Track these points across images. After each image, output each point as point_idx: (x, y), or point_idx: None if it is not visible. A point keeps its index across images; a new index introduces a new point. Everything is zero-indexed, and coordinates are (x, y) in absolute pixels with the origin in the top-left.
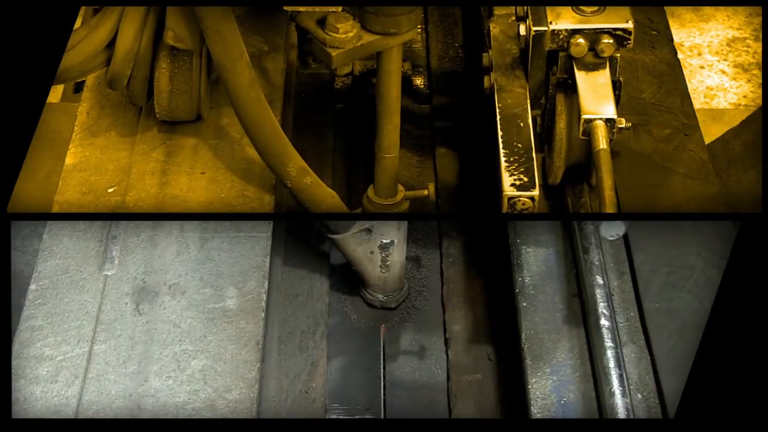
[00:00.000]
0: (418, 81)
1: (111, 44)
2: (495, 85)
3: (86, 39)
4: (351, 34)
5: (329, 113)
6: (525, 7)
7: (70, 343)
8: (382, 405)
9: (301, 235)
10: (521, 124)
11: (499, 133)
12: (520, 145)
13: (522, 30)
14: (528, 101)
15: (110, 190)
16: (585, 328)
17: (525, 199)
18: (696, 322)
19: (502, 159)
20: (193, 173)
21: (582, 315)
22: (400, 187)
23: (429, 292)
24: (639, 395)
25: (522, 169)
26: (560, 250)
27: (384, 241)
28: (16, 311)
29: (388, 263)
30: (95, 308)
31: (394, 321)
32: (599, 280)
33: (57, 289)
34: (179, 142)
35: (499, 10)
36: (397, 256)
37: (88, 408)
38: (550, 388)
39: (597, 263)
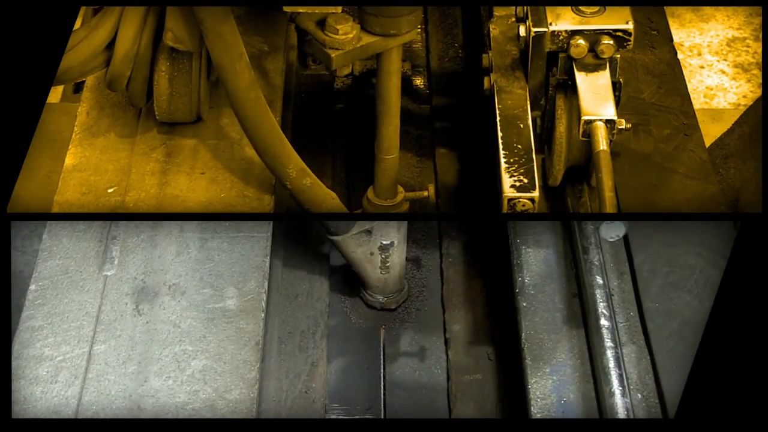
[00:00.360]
0: (418, 81)
1: (110, 45)
2: (495, 87)
3: (86, 40)
4: (351, 36)
5: (329, 114)
6: (525, 8)
7: (70, 344)
8: (382, 405)
9: (300, 235)
10: (521, 126)
11: (499, 134)
12: (520, 146)
13: (522, 31)
14: (528, 102)
15: (110, 191)
16: (585, 328)
17: (525, 200)
18: (696, 322)
19: (502, 160)
20: (192, 173)
21: (582, 315)
22: (400, 188)
23: (429, 292)
24: (639, 395)
25: (522, 171)
26: (560, 250)
27: (384, 242)
28: (16, 311)
29: (387, 264)
30: (95, 308)
31: (394, 321)
32: (599, 280)
33: (57, 289)
34: (179, 143)
35: (498, 11)
36: (397, 257)
37: (88, 408)
38: (550, 388)
39: (597, 263)
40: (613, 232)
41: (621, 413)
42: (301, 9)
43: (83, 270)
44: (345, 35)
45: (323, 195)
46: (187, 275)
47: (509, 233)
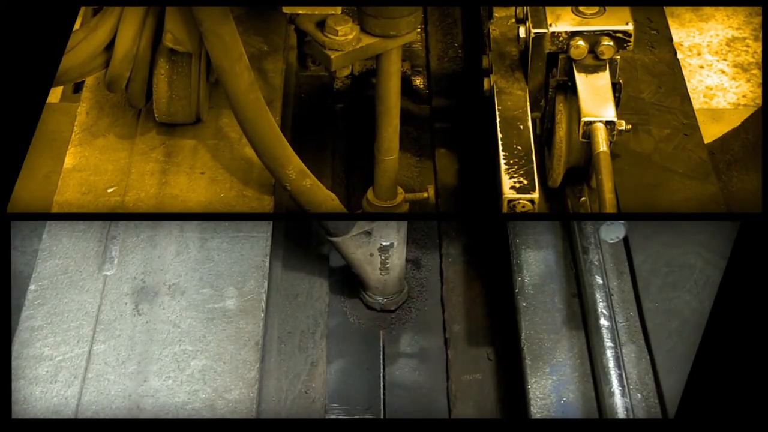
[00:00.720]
0: (418, 81)
1: (110, 46)
2: (495, 88)
3: (85, 41)
4: (350, 37)
5: (329, 114)
6: (524, 9)
7: (70, 344)
8: (382, 405)
9: (300, 235)
10: (521, 127)
11: (499, 135)
12: (519, 147)
13: (521, 32)
14: (528, 104)
15: (110, 191)
16: (585, 328)
17: (525, 201)
18: (696, 322)
19: (502, 161)
20: (192, 173)
21: (582, 315)
22: (400, 190)
23: (429, 293)
24: (639, 395)
25: (522, 172)
26: (560, 251)
27: (383, 243)
28: (16, 311)
29: (387, 266)
30: (95, 308)
31: (394, 321)
32: (599, 280)
33: (56, 289)
34: (179, 143)
35: (498, 12)
36: (397, 258)
37: (88, 408)
38: (550, 388)
39: (597, 263)
40: (612, 233)
41: (621, 413)
42: (300, 10)
43: (83, 270)
44: (344, 36)
45: (323, 196)
46: (186, 275)
47: (509, 233)
